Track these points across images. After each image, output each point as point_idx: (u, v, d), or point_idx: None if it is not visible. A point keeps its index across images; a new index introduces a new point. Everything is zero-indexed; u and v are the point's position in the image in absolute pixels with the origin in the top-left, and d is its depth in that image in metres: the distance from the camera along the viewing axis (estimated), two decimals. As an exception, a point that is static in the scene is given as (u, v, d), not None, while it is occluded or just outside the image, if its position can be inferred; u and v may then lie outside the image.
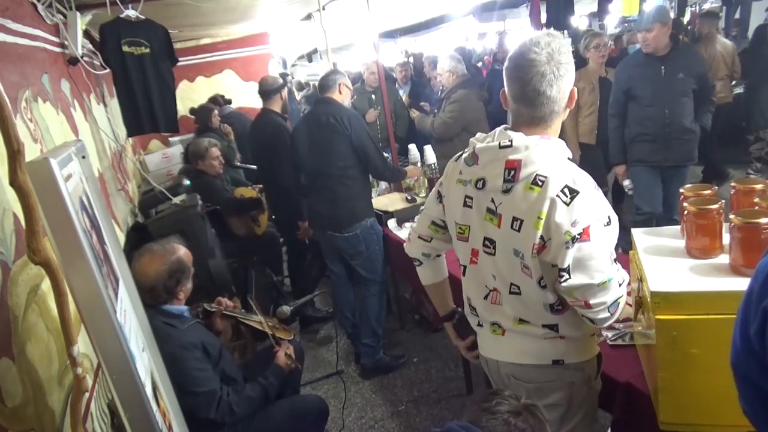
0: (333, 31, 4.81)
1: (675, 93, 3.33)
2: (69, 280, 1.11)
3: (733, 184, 1.56)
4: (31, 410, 1.33)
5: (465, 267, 1.54)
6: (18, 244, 1.46)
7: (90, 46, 3.54)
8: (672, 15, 9.07)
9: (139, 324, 1.52)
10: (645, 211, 3.58)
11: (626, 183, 3.73)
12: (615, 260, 1.33)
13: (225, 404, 2.01)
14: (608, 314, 1.35)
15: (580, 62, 4.55)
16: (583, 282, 1.29)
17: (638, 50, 3.51)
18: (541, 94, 1.29)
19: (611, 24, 11.33)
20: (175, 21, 4.17)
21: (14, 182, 1.14)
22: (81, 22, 2.91)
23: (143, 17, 3.02)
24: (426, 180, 3.67)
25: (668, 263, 1.46)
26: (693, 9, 10.82)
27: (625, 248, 2.24)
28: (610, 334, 1.80)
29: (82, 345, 1.43)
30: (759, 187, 1.50)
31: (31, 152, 1.69)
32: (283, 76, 5.60)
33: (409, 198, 3.59)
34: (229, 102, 5.93)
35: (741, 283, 1.25)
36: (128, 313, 1.41)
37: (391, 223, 3.39)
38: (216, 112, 5.26)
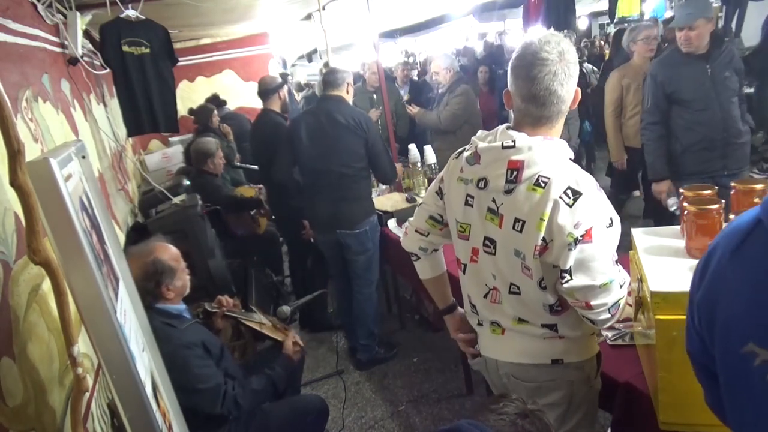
0: (333, 31, 4.81)
1: (726, 93, 3.02)
2: (69, 280, 1.11)
3: (733, 184, 1.56)
4: (31, 410, 1.33)
5: (465, 265, 1.53)
6: (19, 243, 1.46)
7: (90, 46, 3.54)
8: (670, 14, 9.09)
9: (139, 324, 1.52)
10: None
11: (671, 201, 3.16)
12: (616, 261, 1.33)
13: (230, 398, 2.01)
14: (609, 315, 1.35)
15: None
16: (585, 283, 1.29)
17: (673, 50, 3.21)
18: (552, 93, 1.29)
19: (615, 25, 11.33)
20: (175, 21, 4.17)
21: (14, 182, 1.14)
22: (81, 22, 2.91)
23: (143, 17, 3.02)
24: (426, 180, 3.67)
25: (668, 263, 1.46)
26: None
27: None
28: (610, 334, 1.80)
29: (83, 345, 1.43)
30: (759, 187, 1.50)
31: (31, 152, 1.69)
32: (283, 76, 5.60)
33: (409, 198, 3.59)
34: (224, 103, 5.93)
35: (741, 283, 1.25)
36: (128, 313, 1.41)
37: (391, 223, 3.39)
38: (216, 112, 5.26)
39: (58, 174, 1.07)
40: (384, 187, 3.90)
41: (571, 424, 1.49)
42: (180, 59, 3.37)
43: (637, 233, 1.68)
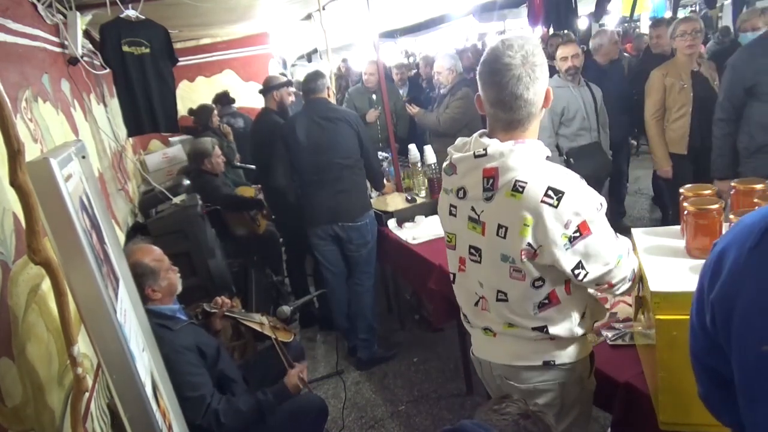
0: (333, 31, 4.81)
1: None
2: (69, 280, 1.11)
3: (733, 183, 1.56)
4: (31, 410, 1.33)
5: (454, 275, 1.55)
6: (18, 244, 1.46)
7: (90, 46, 3.54)
8: (669, 15, 9.09)
9: (139, 324, 1.52)
10: None
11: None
12: (615, 234, 1.36)
13: (212, 412, 1.96)
14: (629, 284, 1.42)
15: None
16: (602, 271, 1.33)
17: (760, 38, 2.90)
18: (518, 98, 1.29)
19: (611, 24, 11.33)
20: (175, 21, 4.17)
21: (14, 182, 1.14)
22: (81, 22, 2.90)
23: (143, 17, 3.02)
24: (426, 180, 3.67)
25: (668, 263, 1.46)
26: (693, 9, 10.84)
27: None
28: (610, 334, 1.80)
29: (82, 345, 1.43)
30: (759, 187, 1.50)
31: (31, 152, 1.69)
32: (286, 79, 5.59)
33: (409, 198, 3.59)
34: (233, 101, 5.94)
35: (741, 283, 1.25)
36: (128, 313, 1.41)
37: (391, 223, 3.39)
38: (216, 112, 5.26)
39: (58, 174, 1.07)
40: (385, 186, 3.89)
41: (565, 424, 1.49)
42: (180, 59, 3.37)
43: (637, 233, 1.68)
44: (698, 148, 3.42)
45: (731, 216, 1.34)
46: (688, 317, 1.28)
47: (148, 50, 3.05)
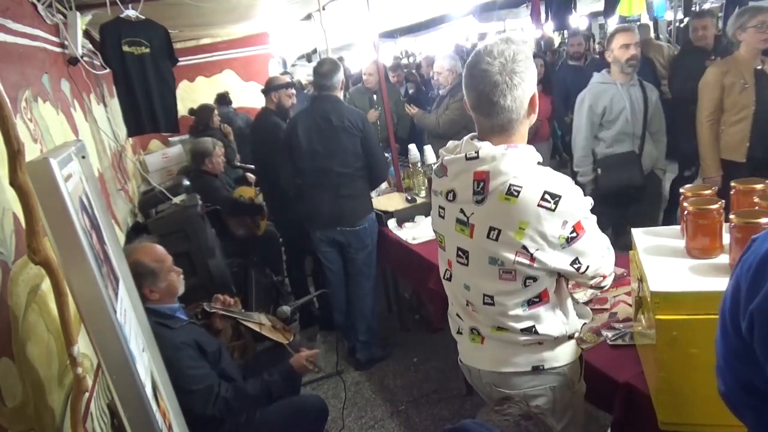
0: (333, 31, 4.81)
1: None
2: (69, 280, 1.11)
3: (733, 184, 1.56)
4: (31, 410, 1.33)
5: (450, 274, 1.55)
6: (18, 244, 1.46)
7: (90, 46, 3.54)
8: (680, 15, 9.07)
9: (139, 324, 1.52)
10: None
11: None
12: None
13: (221, 401, 2.00)
14: (613, 273, 1.48)
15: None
16: (598, 263, 1.38)
17: None
18: (495, 104, 1.28)
19: (611, 24, 11.33)
20: (175, 21, 4.17)
21: (14, 182, 1.14)
22: (81, 22, 2.91)
23: (143, 17, 3.02)
24: (426, 180, 3.67)
25: (668, 263, 1.46)
26: (693, 9, 10.82)
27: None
28: (610, 334, 1.80)
29: (82, 345, 1.43)
30: (759, 187, 1.50)
31: (31, 152, 1.69)
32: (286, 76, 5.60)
33: (409, 198, 3.59)
34: (230, 102, 5.95)
35: (741, 283, 1.25)
36: (128, 313, 1.41)
37: (391, 223, 3.39)
38: (216, 111, 5.27)
39: (58, 174, 1.07)
40: (384, 187, 3.90)
41: (558, 428, 1.48)
42: (180, 59, 3.37)
43: (637, 233, 1.68)
44: (759, 158, 3.06)
45: (731, 216, 1.34)
46: (688, 317, 1.29)
47: (148, 50, 3.05)
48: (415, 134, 4.94)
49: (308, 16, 5.41)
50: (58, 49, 2.76)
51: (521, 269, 1.33)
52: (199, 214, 3.19)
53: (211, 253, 3.15)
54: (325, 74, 3.11)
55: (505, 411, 1.06)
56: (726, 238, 1.41)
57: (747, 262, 0.79)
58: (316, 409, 2.35)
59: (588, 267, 1.36)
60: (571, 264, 1.33)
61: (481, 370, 1.54)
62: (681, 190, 1.61)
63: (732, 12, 5.82)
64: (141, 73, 3.07)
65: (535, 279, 1.36)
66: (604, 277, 1.43)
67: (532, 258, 1.30)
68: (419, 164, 3.82)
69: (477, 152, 1.30)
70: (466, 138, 1.39)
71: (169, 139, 5.75)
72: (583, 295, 2.01)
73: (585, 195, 1.35)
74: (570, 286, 1.54)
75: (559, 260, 1.32)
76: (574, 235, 1.29)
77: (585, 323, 1.55)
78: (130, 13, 2.98)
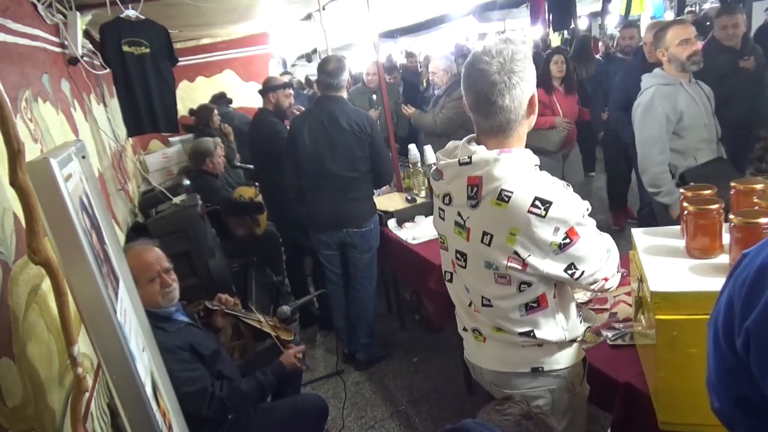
0: (333, 31, 4.81)
1: None
2: (69, 280, 1.11)
3: (733, 183, 1.56)
4: (31, 410, 1.33)
5: (451, 274, 1.56)
6: (18, 244, 1.46)
7: (90, 46, 3.54)
8: (672, 15, 9.08)
9: (139, 324, 1.52)
10: None
11: None
12: (598, 232, 1.37)
13: (217, 400, 2.00)
14: (618, 275, 1.44)
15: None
16: (597, 267, 1.35)
17: None
18: (493, 104, 1.28)
19: (611, 24, 11.34)
20: (175, 21, 4.17)
21: (14, 182, 1.14)
22: (81, 22, 2.90)
23: (143, 17, 3.02)
24: (426, 180, 3.67)
25: (668, 263, 1.46)
26: (693, 9, 10.83)
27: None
28: (610, 334, 1.80)
29: (83, 345, 1.43)
30: (759, 187, 1.50)
31: (31, 152, 1.69)
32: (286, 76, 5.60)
33: (409, 198, 3.59)
34: (230, 101, 5.95)
35: (741, 283, 1.25)
36: (128, 313, 1.40)
37: (391, 223, 3.39)
38: (216, 111, 5.27)
39: (58, 174, 1.07)
40: (384, 187, 3.90)
41: (558, 430, 1.49)
42: (180, 59, 3.37)
43: (637, 233, 1.68)
44: None
45: (731, 216, 1.34)
46: (688, 317, 1.30)
47: (148, 50, 3.05)
48: (415, 134, 4.95)
49: (308, 16, 5.40)
50: (58, 49, 2.76)
51: (515, 274, 1.32)
52: (199, 214, 3.19)
53: (211, 253, 3.15)
54: (330, 73, 3.06)
55: (506, 411, 1.07)
56: (726, 238, 1.41)
57: (740, 278, 0.77)
58: (317, 409, 2.35)
59: (583, 273, 1.33)
60: (565, 270, 1.31)
61: (483, 368, 1.55)
62: (681, 190, 1.61)
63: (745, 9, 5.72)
64: (141, 73, 3.06)
65: (529, 284, 1.35)
66: (606, 280, 1.40)
67: (524, 264, 1.30)
68: (419, 164, 3.83)
69: (470, 157, 1.30)
70: (463, 141, 1.39)
71: (169, 139, 5.75)
72: (583, 296, 2.02)
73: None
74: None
75: (552, 266, 1.30)
76: (568, 241, 1.27)
77: (589, 326, 1.54)
78: (130, 13, 2.98)
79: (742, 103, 3.61)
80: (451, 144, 1.45)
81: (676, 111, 2.66)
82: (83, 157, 1.41)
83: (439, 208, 1.47)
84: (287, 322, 2.72)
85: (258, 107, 3.93)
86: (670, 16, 10.05)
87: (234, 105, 6.22)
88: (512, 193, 1.26)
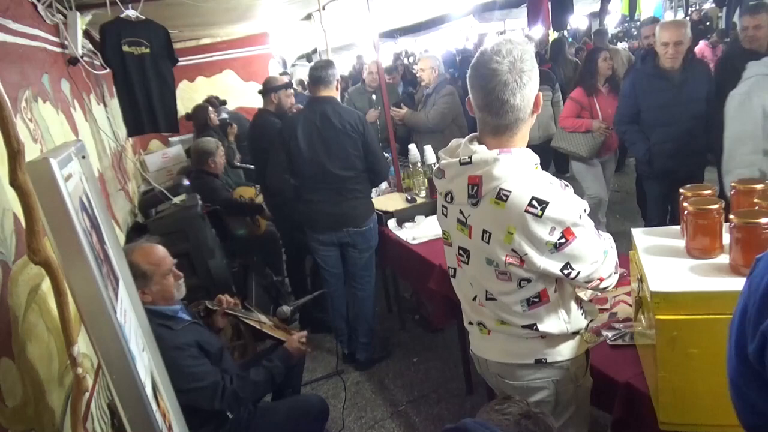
0: (333, 31, 4.81)
1: None
2: (69, 280, 1.11)
3: (732, 183, 1.56)
4: (31, 410, 1.33)
5: (454, 269, 1.58)
6: (18, 244, 1.46)
7: (90, 46, 3.54)
8: (681, 15, 9.07)
9: (139, 324, 1.52)
10: None
11: None
12: (597, 232, 1.38)
13: (230, 392, 2.02)
14: (615, 276, 1.46)
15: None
16: (592, 269, 1.36)
17: None
18: (504, 103, 1.29)
19: (611, 24, 11.34)
20: (175, 21, 4.17)
21: (14, 182, 1.14)
22: (81, 22, 2.91)
23: (143, 17, 3.02)
24: (426, 180, 3.67)
25: (668, 263, 1.46)
26: (693, 10, 10.85)
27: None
28: (610, 334, 1.80)
29: (82, 345, 1.43)
30: (759, 187, 1.50)
31: (31, 152, 1.69)
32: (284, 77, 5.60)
33: (409, 198, 3.59)
34: (224, 103, 5.94)
35: (741, 283, 1.24)
36: (128, 313, 1.40)
37: (391, 223, 3.39)
38: (211, 109, 5.27)
39: (58, 174, 1.07)
40: (384, 187, 3.90)
41: (561, 422, 1.50)
42: (180, 59, 3.37)
43: (637, 233, 1.68)
44: None
45: (731, 216, 1.34)
46: (688, 317, 1.30)
47: (148, 50, 3.05)
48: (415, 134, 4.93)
49: (308, 16, 5.41)
50: (58, 49, 2.76)
51: (514, 271, 1.35)
52: (199, 214, 3.19)
53: (211, 253, 3.15)
54: (317, 67, 3.13)
55: (506, 410, 1.07)
56: (726, 238, 1.41)
57: (755, 283, 0.76)
58: (317, 409, 2.36)
59: (579, 272, 1.35)
60: (562, 269, 1.33)
61: (488, 360, 1.56)
62: (681, 190, 1.61)
63: (732, 12, 5.69)
64: (141, 73, 3.07)
65: (528, 280, 1.37)
66: (601, 280, 1.42)
67: (522, 261, 1.33)
68: (419, 164, 3.82)
69: (470, 157, 1.32)
70: (465, 140, 1.41)
71: (169, 139, 5.75)
72: (583, 295, 2.02)
73: None
74: None
75: (549, 264, 1.32)
76: (563, 241, 1.29)
77: (591, 320, 1.55)
78: (130, 13, 2.98)
79: None
80: (454, 142, 1.47)
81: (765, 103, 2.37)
82: (83, 157, 1.41)
83: (442, 206, 1.49)
84: (287, 322, 2.72)
85: (258, 107, 3.92)
86: (669, 16, 10.06)
87: (234, 105, 6.22)
88: (510, 192, 1.28)
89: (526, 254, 1.30)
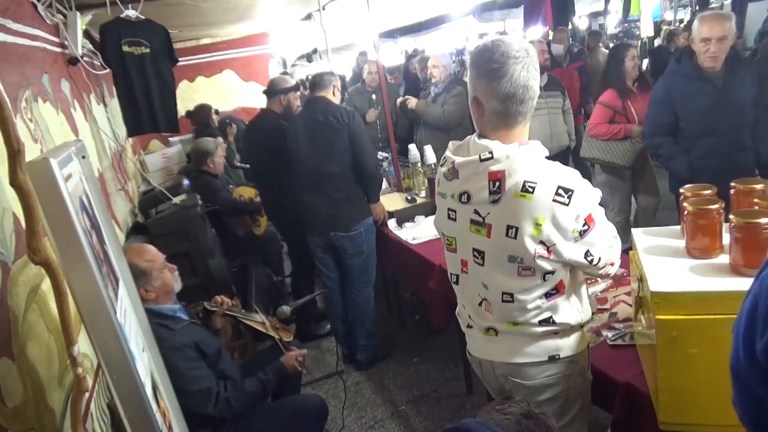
0: (333, 31, 4.81)
1: None
2: (69, 280, 1.11)
3: (733, 184, 1.56)
4: (31, 410, 1.33)
5: (457, 276, 1.56)
6: (18, 244, 1.46)
7: (90, 46, 3.54)
8: (671, 15, 9.07)
9: (139, 324, 1.52)
10: None
11: None
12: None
13: (222, 400, 2.01)
14: (619, 260, 1.50)
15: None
16: (607, 254, 1.41)
17: None
18: (529, 89, 1.33)
19: (611, 24, 11.34)
20: (175, 21, 4.17)
21: (14, 182, 1.14)
22: (81, 22, 2.91)
23: (143, 17, 3.02)
24: (426, 180, 3.67)
25: (668, 263, 1.46)
26: (694, 11, 10.83)
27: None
28: (610, 334, 1.80)
29: (82, 345, 1.43)
30: (759, 187, 1.50)
31: (31, 152, 1.69)
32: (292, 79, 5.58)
33: (409, 198, 3.59)
34: (217, 112, 5.91)
35: (741, 283, 1.25)
36: (128, 313, 1.41)
37: (391, 223, 3.39)
38: (214, 109, 5.28)
39: (58, 174, 1.07)
40: (384, 186, 3.90)
41: (569, 416, 1.51)
42: (180, 59, 3.37)
43: (637, 233, 1.68)
44: None
45: (731, 216, 1.34)
46: (688, 317, 1.30)
47: (148, 50, 3.05)
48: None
49: (308, 16, 5.41)
50: (58, 49, 2.76)
51: (540, 264, 1.34)
52: (199, 214, 3.19)
53: (211, 253, 3.15)
54: (316, 76, 3.22)
55: (507, 410, 1.07)
56: (726, 238, 1.41)
57: (766, 280, 0.76)
58: (317, 409, 2.35)
59: (600, 258, 1.39)
60: (585, 256, 1.36)
61: (495, 362, 1.55)
62: (681, 190, 1.61)
63: (737, 13, 5.63)
64: (141, 73, 3.07)
65: (552, 272, 1.38)
66: (612, 265, 1.46)
67: (549, 252, 1.33)
68: (419, 164, 3.82)
69: (491, 152, 1.32)
70: (472, 138, 1.40)
71: (169, 139, 5.75)
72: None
73: None
74: None
75: (574, 253, 1.35)
76: (586, 227, 1.33)
77: (594, 312, 1.57)
78: (130, 13, 2.98)
79: None
80: (452, 143, 1.46)
81: None
82: (83, 157, 1.41)
83: (449, 209, 1.46)
84: (287, 322, 2.72)
85: (260, 108, 3.89)
86: (669, 16, 10.05)
87: (234, 105, 6.22)
88: (536, 183, 1.29)
89: (554, 244, 1.32)
